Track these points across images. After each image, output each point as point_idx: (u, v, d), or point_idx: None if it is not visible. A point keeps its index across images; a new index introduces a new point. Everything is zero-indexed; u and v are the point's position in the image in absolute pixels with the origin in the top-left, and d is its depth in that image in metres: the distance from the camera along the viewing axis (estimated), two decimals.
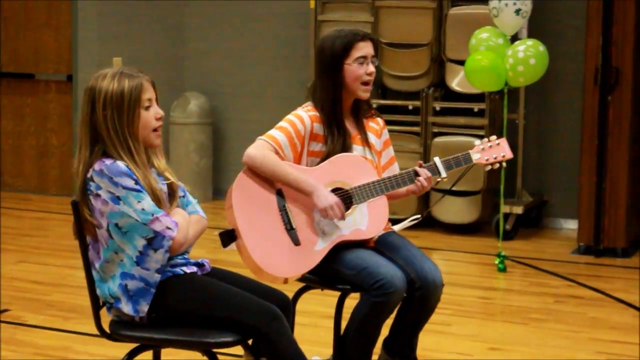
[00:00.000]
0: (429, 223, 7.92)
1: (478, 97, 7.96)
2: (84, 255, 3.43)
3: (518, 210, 7.84)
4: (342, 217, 3.88)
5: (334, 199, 3.87)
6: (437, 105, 8.10)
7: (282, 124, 4.03)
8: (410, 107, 8.20)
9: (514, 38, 7.00)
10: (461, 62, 7.93)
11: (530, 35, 7.52)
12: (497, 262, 6.90)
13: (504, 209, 7.37)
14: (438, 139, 8.03)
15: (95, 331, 5.35)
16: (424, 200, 7.97)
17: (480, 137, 7.87)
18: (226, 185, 9.34)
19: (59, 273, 6.79)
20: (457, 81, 8.03)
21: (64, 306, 5.97)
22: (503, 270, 6.86)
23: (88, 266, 3.44)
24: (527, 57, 6.66)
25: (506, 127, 7.02)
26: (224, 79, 9.43)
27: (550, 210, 8.42)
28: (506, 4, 6.85)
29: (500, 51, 6.78)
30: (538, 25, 7.77)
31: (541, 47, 6.71)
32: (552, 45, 6.97)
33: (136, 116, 3.39)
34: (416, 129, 8.10)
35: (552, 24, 8.12)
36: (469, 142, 7.88)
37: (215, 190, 9.29)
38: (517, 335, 5.54)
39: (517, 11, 6.86)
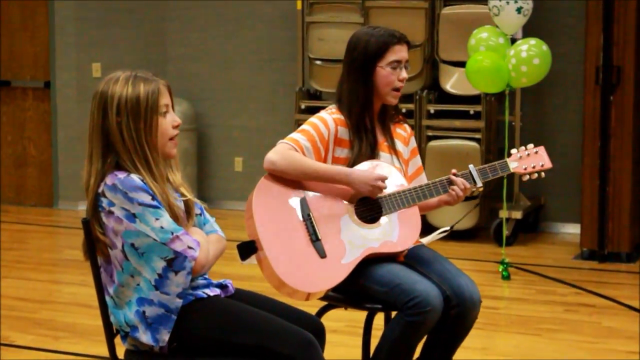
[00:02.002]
0: (425, 230, 7.68)
1: (474, 99, 7.73)
2: (96, 279, 3.11)
3: (517, 215, 7.60)
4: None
5: (372, 176, 3.63)
6: (432, 108, 7.86)
7: (304, 127, 3.75)
8: (404, 110, 7.94)
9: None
10: (455, 63, 7.74)
11: (525, 35, 7.30)
12: (500, 269, 6.66)
13: (502, 214, 7.15)
14: (433, 143, 7.79)
15: (88, 351, 5.17)
16: None
17: (477, 140, 7.68)
18: (212, 193, 9.25)
19: (45, 289, 6.50)
20: (451, 83, 7.79)
21: (53, 325, 5.69)
22: (507, 278, 6.63)
23: (101, 291, 3.12)
24: (531, 57, 6.44)
25: (507, 129, 6.79)
26: (208, 84, 9.15)
27: (548, 214, 8.20)
28: (507, 2, 6.61)
29: (501, 51, 6.55)
30: (533, 26, 7.53)
31: (544, 47, 6.49)
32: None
33: (154, 123, 3.10)
34: None
35: (548, 24, 7.91)
36: (465, 145, 7.68)
37: (200, 198, 8.90)
38: (531, 347, 5.31)
39: (519, 9, 6.62)
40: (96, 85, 3.19)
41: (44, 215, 8.91)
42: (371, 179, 3.64)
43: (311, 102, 8.30)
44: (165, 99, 3.15)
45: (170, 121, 3.16)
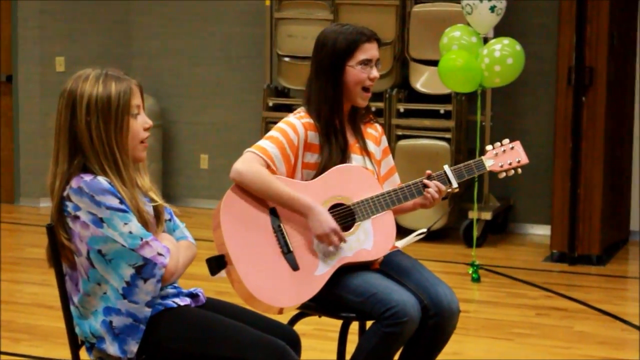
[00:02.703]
0: (398, 232, 7.56)
1: (444, 99, 7.64)
2: (61, 288, 2.97)
3: (487, 216, 7.52)
4: (343, 240, 3.50)
5: (331, 225, 3.47)
6: (401, 107, 7.76)
7: (272, 133, 3.61)
8: (373, 109, 7.83)
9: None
10: (426, 62, 7.65)
11: (497, 35, 7.21)
12: (470, 271, 6.57)
13: (472, 214, 7.06)
14: (402, 142, 7.70)
15: (49, 355, 5.02)
16: None
17: (447, 139, 7.58)
18: (177, 190, 9.09)
19: (5, 289, 6.32)
20: (422, 82, 7.70)
21: (13, 326, 5.52)
22: (477, 280, 6.54)
23: (66, 300, 2.98)
24: (504, 56, 6.35)
25: (479, 129, 6.70)
26: (174, 80, 9.00)
27: (517, 216, 8.13)
28: (481, 1, 6.52)
29: (473, 50, 6.46)
30: (505, 25, 7.44)
31: (518, 47, 6.41)
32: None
33: (124, 125, 2.95)
34: None
35: (519, 24, 7.81)
36: (435, 145, 7.59)
37: (165, 195, 8.78)
38: (503, 352, 5.23)
39: (492, 8, 6.53)
40: (61, 80, 3.04)
41: (5, 212, 8.71)
42: (328, 227, 3.48)
43: (279, 100, 8.18)
44: (136, 100, 3.00)
45: (141, 123, 3.02)
